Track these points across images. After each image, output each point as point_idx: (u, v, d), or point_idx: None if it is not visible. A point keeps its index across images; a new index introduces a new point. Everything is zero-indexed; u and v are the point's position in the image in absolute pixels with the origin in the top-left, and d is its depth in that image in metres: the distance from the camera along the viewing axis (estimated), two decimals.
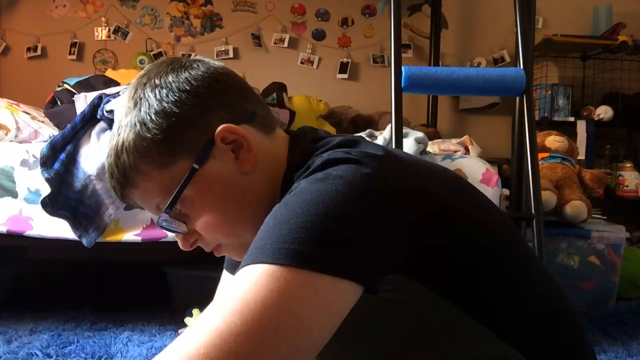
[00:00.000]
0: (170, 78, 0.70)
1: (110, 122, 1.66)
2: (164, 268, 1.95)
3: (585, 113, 2.76)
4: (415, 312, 0.59)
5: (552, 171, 2.22)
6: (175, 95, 0.69)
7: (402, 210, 0.58)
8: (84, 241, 1.64)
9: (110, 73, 2.35)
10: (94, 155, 1.65)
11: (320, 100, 2.48)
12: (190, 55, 2.86)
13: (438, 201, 0.62)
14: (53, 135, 1.74)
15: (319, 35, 3.00)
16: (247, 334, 0.49)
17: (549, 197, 2.08)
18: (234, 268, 0.89)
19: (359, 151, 0.60)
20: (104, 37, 2.90)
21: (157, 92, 0.69)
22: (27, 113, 1.96)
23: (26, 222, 1.66)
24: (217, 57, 2.91)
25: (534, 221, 1.56)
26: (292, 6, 2.98)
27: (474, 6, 3.05)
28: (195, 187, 0.69)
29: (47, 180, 1.59)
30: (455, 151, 2.11)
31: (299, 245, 0.51)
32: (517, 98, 1.81)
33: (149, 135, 0.68)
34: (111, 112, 1.65)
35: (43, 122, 1.95)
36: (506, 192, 1.99)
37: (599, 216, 2.39)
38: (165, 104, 0.68)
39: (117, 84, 2.06)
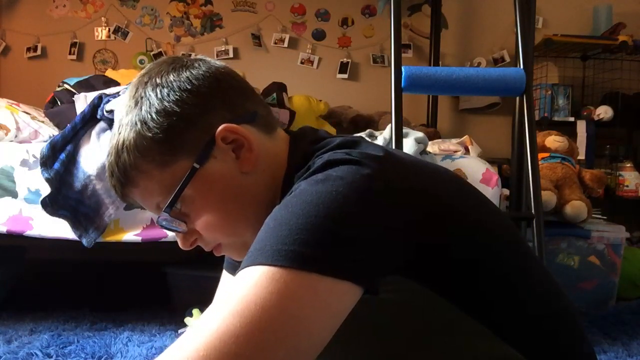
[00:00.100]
0: (171, 77, 0.70)
1: (110, 122, 1.66)
2: (164, 268, 1.95)
3: (585, 113, 2.76)
4: (415, 312, 0.59)
5: (552, 171, 2.22)
6: (177, 95, 0.69)
7: (402, 210, 0.58)
8: (84, 241, 1.64)
9: (110, 73, 2.35)
10: (94, 155, 1.65)
11: (320, 100, 2.48)
12: (190, 55, 2.86)
13: (438, 201, 0.62)
14: (53, 135, 1.74)
15: (319, 35, 3.00)
16: (246, 335, 0.49)
17: (549, 197, 2.08)
18: (233, 268, 0.89)
19: (360, 152, 0.60)
20: (104, 37, 2.90)
21: (158, 91, 0.69)
22: (27, 113, 1.96)
23: (26, 222, 1.66)
24: (217, 57, 2.90)
25: (534, 221, 1.56)
26: (292, 6, 2.98)
27: (474, 6, 3.05)
28: (195, 186, 0.69)
29: (47, 180, 1.59)
30: (455, 151, 2.11)
31: (298, 247, 0.51)
32: (517, 98, 1.82)
33: (150, 134, 0.68)
34: (111, 112, 1.65)
35: (43, 122, 1.95)
36: (506, 192, 1.99)
37: (599, 216, 2.39)
38: (167, 103, 0.68)
39: (117, 84, 2.06)
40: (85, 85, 2.03)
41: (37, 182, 1.65)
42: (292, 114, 2.22)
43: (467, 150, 2.20)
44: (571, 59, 2.93)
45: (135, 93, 0.71)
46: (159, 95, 0.69)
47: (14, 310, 1.86)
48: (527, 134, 1.61)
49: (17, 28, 2.87)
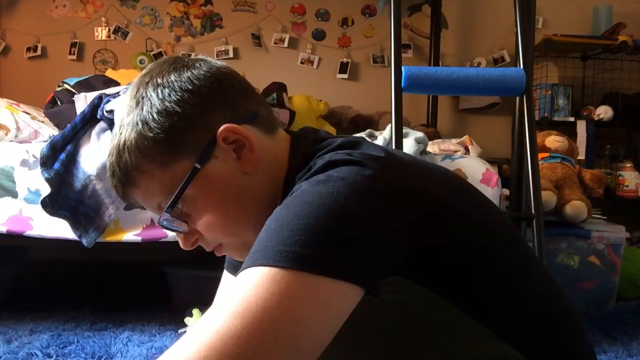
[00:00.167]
0: (172, 77, 0.70)
1: (110, 122, 1.66)
2: (164, 268, 1.95)
3: (585, 113, 2.76)
4: (415, 312, 0.59)
5: (552, 171, 2.22)
6: (178, 95, 0.69)
7: (403, 211, 0.58)
8: (84, 241, 1.64)
9: (110, 73, 2.35)
10: (94, 155, 1.65)
11: (320, 100, 2.48)
12: (190, 55, 2.87)
13: (438, 202, 0.62)
14: (53, 135, 1.74)
15: (319, 35, 3.00)
16: (247, 336, 0.49)
17: (549, 197, 2.08)
18: (234, 269, 0.89)
19: (361, 153, 0.60)
20: (104, 37, 2.90)
21: (159, 91, 0.69)
22: (27, 113, 1.96)
23: (26, 222, 1.66)
24: (217, 57, 2.90)
25: (534, 221, 1.56)
26: (292, 6, 2.98)
27: (474, 6, 3.05)
28: (197, 186, 0.69)
29: (47, 180, 1.59)
30: (455, 151, 2.11)
31: (300, 248, 0.51)
32: (517, 98, 1.82)
33: (151, 134, 0.68)
34: (111, 112, 1.65)
35: (43, 122, 1.95)
36: (506, 192, 1.99)
37: (599, 216, 2.39)
38: (168, 103, 0.68)
39: (117, 84, 2.05)
40: (85, 85, 2.03)
41: (37, 182, 1.65)
42: (292, 114, 2.22)
43: (467, 150, 2.20)
44: (571, 59, 2.93)
45: (137, 93, 0.71)
46: (160, 96, 0.69)
47: (14, 310, 1.86)
48: (527, 134, 1.61)
49: (17, 28, 2.87)
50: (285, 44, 2.96)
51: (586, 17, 2.93)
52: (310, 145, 0.70)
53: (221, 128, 0.69)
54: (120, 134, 0.70)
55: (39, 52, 2.86)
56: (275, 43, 2.96)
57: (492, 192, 1.71)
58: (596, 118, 2.73)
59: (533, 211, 1.57)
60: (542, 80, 2.82)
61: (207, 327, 0.50)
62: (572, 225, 2.16)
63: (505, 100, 2.88)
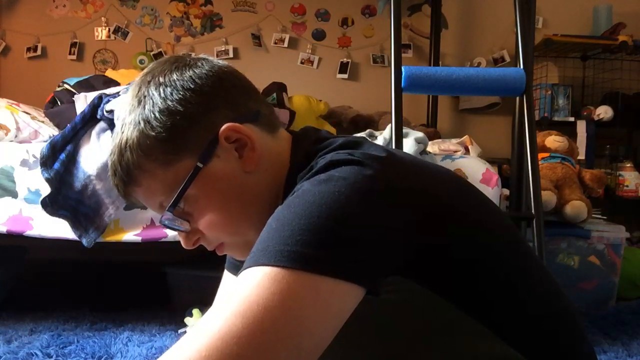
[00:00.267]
0: (174, 76, 0.70)
1: (110, 122, 1.66)
2: (164, 268, 1.95)
3: (585, 113, 2.76)
4: (415, 312, 0.59)
5: (552, 171, 2.22)
6: (180, 94, 0.69)
7: (403, 211, 0.58)
8: (84, 241, 1.64)
9: (110, 73, 2.35)
10: (94, 155, 1.65)
11: (320, 100, 2.48)
12: (191, 54, 2.86)
13: (438, 201, 0.62)
14: (53, 135, 1.74)
15: (319, 35, 3.00)
16: (248, 336, 0.49)
17: (549, 197, 2.08)
18: (235, 268, 0.89)
19: (362, 152, 0.60)
20: (104, 37, 2.91)
21: (161, 90, 0.69)
22: (27, 113, 1.96)
23: (26, 222, 1.66)
24: (217, 57, 2.87)
25: (534, 221, 1.56)
26: (292, 6, 2.98)
27: (474, 6, 3.05)
28: (198, 185, 0.69)
29: (47, 180, 1.59)
30: (455, 151, 2.11)
31: (301, 248, 0.51)
32: (517, 98, 1.82)
33: (153, 133, 0.68)
34: (111, 112, 1.65)
35: (43, 122, 1.95)
36: (506, 192, 1.99)
37: (599, 216, 2.39)
38: (170, 102, 0.68)
39: (117, 84, 2.06)
40: (85, 85, 2.03)
41: (37, 182, 1.65)
42: (292, 114, 2.22)
43: (467, 150, 2.20)
44: (571, 59, 2.93)
45: (138, 92, 0.71)
46: (162, 94, 0.69)
47: (14, 310, 1.86)
48: (527, 134, 1.61)
49: (17, 28, 2.87)
50: (285, 44, 2.96)
51: (586, 17, 2.94)
52: (311, 145, 0.70)
53: (223, 127, 0.69)
54: (122, 132, 0.70)
55: (39, 52, 2.86)
56: (275, 43, 2.97)
57: (492, 192, 1.71)
58: (596, 118, 2.73)
59: (533, 211, 1.57)
60: (542, 80, 2.82)
61: (208, 326, 0.50)
62: (572, 225, 2.16)
63: (505, 100, 2.88)
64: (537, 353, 0.63)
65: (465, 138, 2.31)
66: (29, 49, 2.86)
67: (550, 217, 2.13)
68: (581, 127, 2.68)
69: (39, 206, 1.60)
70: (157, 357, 0.52)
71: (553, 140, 2.33)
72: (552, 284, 0.70)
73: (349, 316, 0.54)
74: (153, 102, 0.69)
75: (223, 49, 2.93)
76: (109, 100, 1.69)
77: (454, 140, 2.29)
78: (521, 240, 0.71)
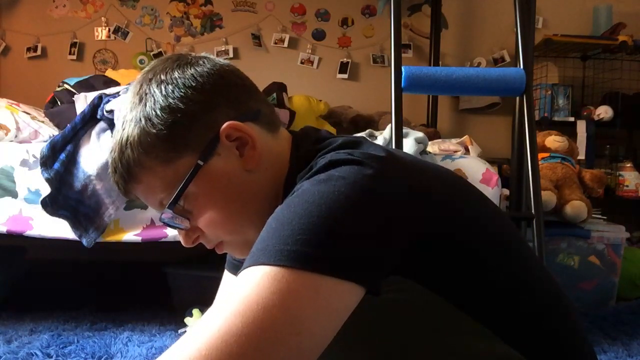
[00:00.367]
0: (176, 74, 0.70)
1: (110, 122, 1.66)
2: (164, 268, 1.95)
3: (585, 113, 2.76)
4: (415, 312, 0.59)
5: (552, 171, 2.22)
6: (181, 92, 0.69)
7: (403, 210, 0.58)
8: (84, 241, 1.64)
9: (110, 73, 2.35)
10: (94, 155, 1.65)
11: (320, 100, 2.48)
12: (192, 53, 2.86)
13: (438, 202, 0.62)
14: (53, 135, 1.74)
15: (319, 35, 3.00)
16: (248, 335, 0.49)
17: (549, 197, 2.08)
18: (235, 268, 0.89)
19: (362, 152, 0.60)
20: (104, 37, 2.91)
21: (162, 87, 0.69)
22: (27, 113, 1.96)
23: (26, 222, 1.66)
24: (217, 57, 2.90)
25: (534, 221, 1.56)
26: (292, 6, 2.98)
27: (474, 6, 3.05)
28: (199, 183, 0.69)
29: (47, 180, 1.59)
30: (455, 151, 2.11)
31: (300, 247, 0.51)
32: (517, 98, 1.82)
33: (154, 130, 0.68)
34: (111, 112, 1.65)
35: (43, 122, 1.95)
36: (506, 192, 1.99)
37: (599, 216, 2.39)
38: (171, 100, 0.68)
39: (117, 84, 2.06)
40: (85, 85, 2.03)
41: (37, 182, 1.65)
42: (292, 114, 2.22)
43: (467, 150, 2.20)
44: (571, 59, 2.93)
45: (140, 89, 0.71)
46: (164, 92, 0.69)
47: (14, 310, 1.86)
48: (527, 134, 1.61)
49: (17, 28, 2.87)
50: (285, 44, 2.96)
51: (586, 17, 2.94)
52: (311, 145, 0.70)
53: (224, 125, 0.69)
54: (123, 130, 0.70)
55: (39, 52, 2.86)
56: (275, 43, 2.97)
57: (492, 192, 1.71)
58: (596, 118, 2.73)
59: (533, 211, 1.57)
60: (542, 80, 2.82)
61: (208, 326, 0.50)
62: (572, 225, 2.16)
63: (505, 100, 2.88)
64: (537, 353, 0.63)
65: (465, 138, 2.31)
66: (29, 49, 2.86)
67: (550, 217, 2.13)
68: (581, 127, 2.68)
69: (39, 206, 1.60)
70: (157, 357, 0.52)
71: (553, 140, 2.33)
72: (552, 284, 0.70)
73: (349, 316, 0.54)
74: (154, 99, 0.69)
75: (223, 49, 2.93)
76: (109, 100, 1.69)
77: (454, 140, 2.29)
78: (521, 240, 0.71)
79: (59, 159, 1.62)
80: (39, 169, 1.61)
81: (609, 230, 2.18)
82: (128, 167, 0.70)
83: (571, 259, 2.14)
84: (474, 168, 1.76)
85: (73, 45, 2.88)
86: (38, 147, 1.66)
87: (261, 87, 2.27)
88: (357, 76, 3.02)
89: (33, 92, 2.62)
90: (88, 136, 1.69)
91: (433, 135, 2.42)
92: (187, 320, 1.75)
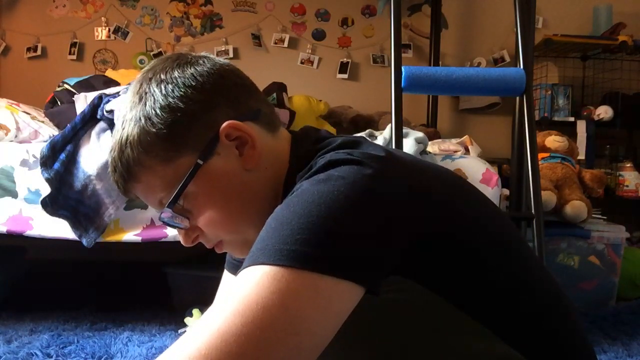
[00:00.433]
0: (176, 73, 0.70)
1: (110, 122, 1.66)
2: (164, 268, 1.95)
3: (585, 113, 2.76)
4: (415, 312, 0.59)
5: (552, 171, 2.22)
6: (181, 91, 0.69)
7: (402, 210, 0.58)
8: (84, 241, 1.64)
9: (110, 73, 2.35)
10: (94, 155, 1.65)
11: (320, 100, 2.48)
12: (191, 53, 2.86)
13: (438, 201, 0.62)
14: (53, 135, 1.74)
15: (319, 35, 3.00)
16: (248, 335, 0.49)
17: (549, 197, 2.08)
18: (235, 268, 0.89)
19: (361, 152, 0.60)
20: (104, 37, 2.91)
21: (162, 87, 0.69)
22: (27, 113, 1.96)
23: (26, 222, 1.66)
24: (217, 57, 2.90)
25: (534, 221, 1.56)
26: (292, 6, 2.98)
27: (474, 6, 3.05)
28: (198, 182, 0.69)
29: (47, 180, 1.59)
30: (455, 151, 2.11)
31: (300, 247, 0.51)
32: (517, 98, 1.82)
33: (154, 130, 0.68)
34: (111, 112, 1.65)
35: (43, 122, 1.95)
36: (506, 192, 1.99)
37: (599, 216, 2.39)
38: (171, 99, 0.68)
39: (117, 84, 2.06)
40: (85, 85, 2.03)
41: (37, 182, 1.65)
42: (292, 114, 2.22)
43: (467, 150, 2.20)
44: (571, 59, 2.93)
45: (140, 89, 0.71)
46: (164, 91, 0.69)
47: (14, 310, 1.86)
48: (527, 134, 1.61)
49: (17, 28, 2.87)
50: (285, 44, 2.96)
51: (586, 17, 2.94)
52: (311, 145, 0.71)
53: (224, 125, 0.69)
54: (123, 129, 0.71)
55: (39, 52, 2.86)
56: (275, 43, 2.97)
57: (492, 192, 1.71)
58: (596, 118, 2.73)
59: (533, 211, 1.57)
60: (542, 80, 2.82)
61: (207, 325, 0.50)
62: (572, 225, 2.16)
63: (505, 100, 2.88)
64: (537, 353, 0.63)
65: (465, 138, 2.31)
66: (29, 49, 2.86)
67: (550, 217, 2.13)
68: (581, 127, 2.68)
69: (39, 206, 1.60)
70: (157, 357, 0.52)
71: (553, 140, 2.33)
72: (552, 284, 0.70)
73: (349, 315, 0.54)
74: (154, 99, 0.69)
75: (223, 49, 2.93)
76: (109, 100, 1.69)
77: (454, 140, 2.29)
78: (521, 241, 0.71)
79: (59, 159, 1.62)
80: (39, 169, 1.61)
81: (609, 230, 2.18)
82: (128, 166, 0.70)
83: (571, 259, 2.14)
84: (474, 168, 1.76)
85: (73, 45, 2.88)
86: (38, 147, 1.66)
87: (261, 87, 2.27)
88: (357, 76, 3.02)
89: (33, 92, 2.62)
90: (88, 136, 1.69)
91: (433, 135, 2.42)
92: (187, 320, 1.75)
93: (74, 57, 2.88)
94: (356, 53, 3.01)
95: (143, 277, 2.25)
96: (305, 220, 0.53)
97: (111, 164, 0.73)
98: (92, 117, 1.70)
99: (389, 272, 0.57)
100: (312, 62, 2.98)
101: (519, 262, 0.68)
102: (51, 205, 1.59)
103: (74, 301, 1.96)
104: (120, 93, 1.74)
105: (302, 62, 2.98)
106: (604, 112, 2.72)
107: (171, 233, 1.64)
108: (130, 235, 1.68)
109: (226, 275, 0.91)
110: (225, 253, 0.81)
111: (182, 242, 0.75)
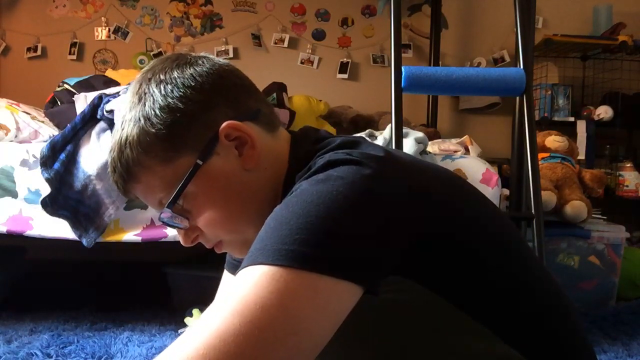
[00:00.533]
0: (175, 74, 0.70)
1: (110, 122, 1.67)
2: (164, 268, 1.95)
3: (585, 113, 2.76)
4: (415, 312, 0.59)
5: (552, 171, 2.22)
6: (180, 91, 0.69)
7: (402, 210, 0.58)
8: (84, 241, 1.64)
9: (110, 73, 2.35)
10: (94, 155, 1.65)
11: (320, 100, 2.48)
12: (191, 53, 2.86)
13: (437, 202, 0.62)
14: (53, 135, 1.74)
15: (319, 35, 3.00)
16: (246, 335, 0.49)
17: (549, 197, 2.08)
18: (234, 268, 0.89)
19: (360, 152, 0.60)
20: (104, 37, 2.91)
21: (162, 87, 0.69)
22: (27, 113, 1.96)
23: (26, 222, 1.66)
24: (217, 57, 2.90)
25: (534, 221, 1.56)
26: (292, 6, 2.98)
27: (474, 6, 3.05)
28: (198, 183, 0.69)
29: (47, 180, 1.59)
30: (455, 151, 2.11)
31: (299, 247, 0.51)
32: (517, 98, 1.82)
33: (153, 130, 0.68)
34: (111, 112, 1.65)
35: (43, 122, 1.95)
36: (506, 192, 1.99)
37: (599, 216, 2.39)
38: (170, 100, 0.68)
39: (117, 84, 2.06)
40: (85, 85, 2.03)
41: (37, 182, 1.65)
42: (292, 114, 2.22)
43: (467, 150, 2.20)
44: (571, 59, 2.93)
45: (139, 89, 0.71)
46: (163, 92, 0.69)
47: (14, 310, 1.86)
48: (527, 134, 1.61)
49: (17, 28, 2.88)
50: (285, 44, 2.96)
51: (586, 17, 2.94)
52: (310, 145, 0.71)
53: (223, 125, 0.69)
54: (122, 129, 0.71)
55: (39, 52, 2.86)
56: (275, 43, 2.97)
57: (492, 192, 1.71)
58: (596, 118, 2.73)
59: (533, 211, 1.57)
60: (542, 80, 2.82)
61: (206, 325, 0.50)
62: (572, 225, 2.16)
63: (505, 100, 2.88)
64: (537, 353, 0.63)
65: (465, 138, 2.31)
66: (29, 49, 2.86)
67: (550, 217, 2.13)
68: (581, 127, 2.68)
69: (39, 206, 1.60)
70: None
71: (553, 140, 2.33)
72: (552, 283, 0.70)
73: (348, 315, 0.54)
74: (153, 99, 0.69)
75: (223, 49, 2.93)
76: (109, 100, 1.69)
77: (454, 140, 2.29)
78: (521, 240, 0.71)
79: (59, 159, 1.62)
80: (39, 169, 1.61)
81: (609, 230, 2.18)
82: (127, 166, 0.70)
83: (571, 259, 2.14)
84: (474, 168, 1.76)
85: (73, 45, 2.88)
86: (38, 147, 1.66)
87: (261, 87, 2.27)
88: (357, 76, 3.02)
89: (33, 92, 2.62)
90: (88, 136, 1.69)
91: (433, 135, 2.42)
92: (187, 320, 1.75)
93: (74, 57, 2.88)
94: (356, 53, 3.01)
95: (143, 277, 2.25)
96: (304, 220, 0.53)
97: (111, 165, 0.73)
98: (92, 117, 1.70)
99: (388, 272, 0.57)
100: (312, 62, 2.98)
101: (518, 262, 0.68)
102: (51, 205, 1.59)
103: (74, 301, 1.96)
104: (120, 93, 1.74)
105: (302, 62, 2.98)
106: (604, 112, 2.72)
107: (171, 233, 1.64)
108: (130, 235, 1.68)
109: (226, 275, 0.91)
110: (225, 253, 0.81)
111: (181, 242, 0.75)
